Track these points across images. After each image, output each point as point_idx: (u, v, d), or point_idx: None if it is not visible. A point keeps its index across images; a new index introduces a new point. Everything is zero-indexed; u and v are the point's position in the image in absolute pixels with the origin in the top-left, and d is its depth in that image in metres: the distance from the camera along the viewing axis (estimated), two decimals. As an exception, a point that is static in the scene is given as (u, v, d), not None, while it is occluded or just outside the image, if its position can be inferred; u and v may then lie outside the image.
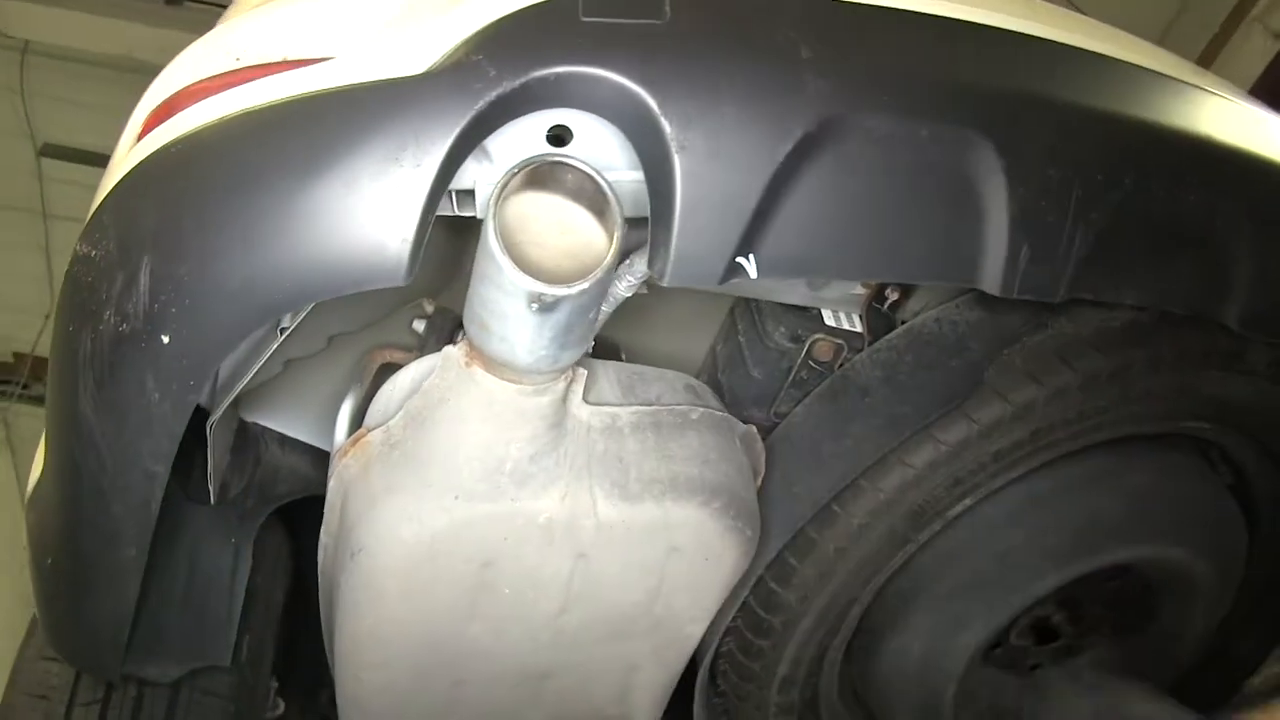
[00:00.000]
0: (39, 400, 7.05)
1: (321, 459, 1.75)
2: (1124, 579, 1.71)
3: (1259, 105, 1.63)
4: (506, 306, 1.10)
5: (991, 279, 1.25)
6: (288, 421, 1.74)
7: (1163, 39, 4.83)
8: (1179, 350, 1.48)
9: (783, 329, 1.54)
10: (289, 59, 1.23)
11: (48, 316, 6.67)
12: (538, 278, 1.08)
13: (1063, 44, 1.38)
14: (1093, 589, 1.69)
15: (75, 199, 6.37)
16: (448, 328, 1.55)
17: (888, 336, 1.53)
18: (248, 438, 1.73)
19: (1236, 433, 1.70)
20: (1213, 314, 1.41)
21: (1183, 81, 1.45)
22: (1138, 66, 1.42)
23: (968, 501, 1.52)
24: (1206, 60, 4.69)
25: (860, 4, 1.27)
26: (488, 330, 1.14)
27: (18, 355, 7.00)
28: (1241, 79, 4.38)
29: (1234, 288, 1.40)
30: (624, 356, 1.73)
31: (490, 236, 1.07)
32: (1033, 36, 1.36)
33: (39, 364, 6.89)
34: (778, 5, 1.23)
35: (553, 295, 1.07)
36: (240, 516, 1.69)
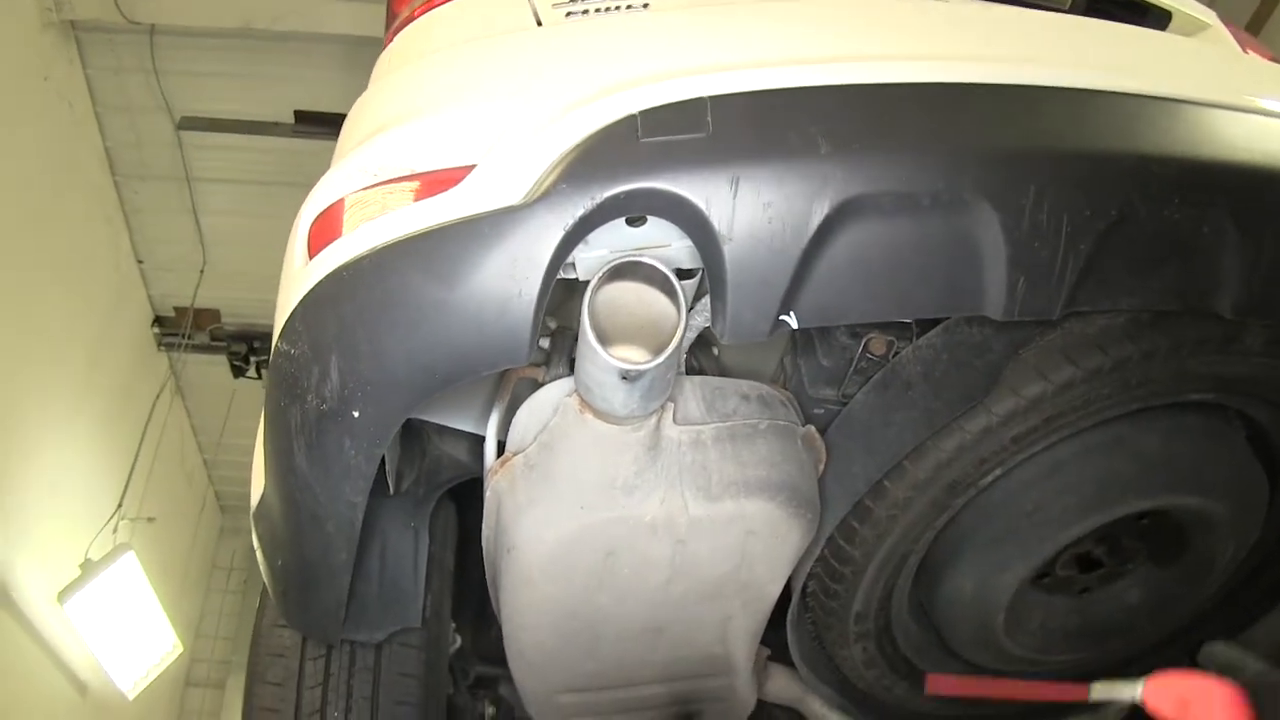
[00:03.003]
0: (202, 349, 7.52)
1: (474, 445, 2.03)
2: (1154, 517, 1.93)
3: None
4: (603, 378, 1.45)
5: (994, 307, 1.47)
6: (444, 414, 1.96)
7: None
8: (1174, 341, 1.65)
9: (843, 328, 1.80)
10: (415, 172, 1.54)
11: (201, 271, 7.14)
12: (626, 344, 1.42)
13: (1050, 87, 1.49)
14: (1127, 526, 1.94)
15: (214, 161, 6.72)
16: (567, 344, 1.80)
17: (929, 335, 1.75)
18: (411, 432, 2.06)
19: (1243, 398, 1.87)
20: (1205, 307, 1.54)
21: (1170, 100, 1.54)
22: (1123, 94, 1.52)
23: (997, 473, 1.79)
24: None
25: (866, 85, 1.47)
26: (591, 393, 1.50)
27: (179, 310, 7.43)
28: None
29: (1224, 280, 1.52)
30: (716, 350, 2.04)
31: (587, 329, 1.40)
32: (1021, 86, 1.49)
33: (199, 315, 7.37)
34: (798, 102, 1.44)
35: (637, 370, 1.41)
36: (415, 503, 2.06)
